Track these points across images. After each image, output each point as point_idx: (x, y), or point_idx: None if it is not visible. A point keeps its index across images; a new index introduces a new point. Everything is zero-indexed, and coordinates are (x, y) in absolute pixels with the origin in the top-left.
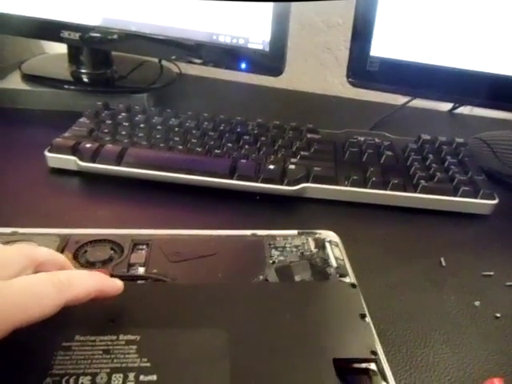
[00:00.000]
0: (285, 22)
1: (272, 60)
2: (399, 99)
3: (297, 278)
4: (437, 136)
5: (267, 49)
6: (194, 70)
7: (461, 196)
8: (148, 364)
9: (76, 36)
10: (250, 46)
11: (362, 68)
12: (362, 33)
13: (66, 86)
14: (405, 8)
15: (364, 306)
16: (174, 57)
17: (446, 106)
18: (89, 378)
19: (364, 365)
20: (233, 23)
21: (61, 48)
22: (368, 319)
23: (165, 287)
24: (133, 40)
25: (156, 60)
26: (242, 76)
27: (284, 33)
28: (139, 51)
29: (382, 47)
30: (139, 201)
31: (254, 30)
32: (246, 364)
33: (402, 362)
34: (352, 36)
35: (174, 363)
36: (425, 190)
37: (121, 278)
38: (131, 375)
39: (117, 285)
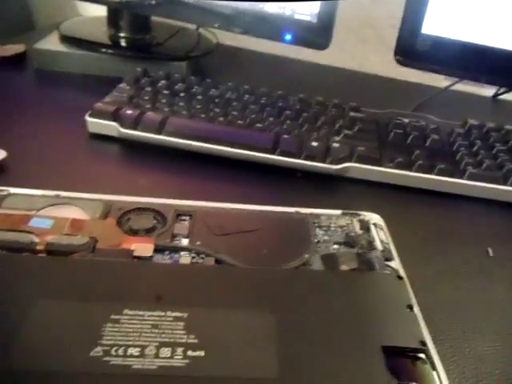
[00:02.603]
0: None
1: (319, 33)
2: (440, 81)
3: (342, 268)
4: (484, 121)
5: (315, 20)
6: (230, 40)
7: (511, 185)
8: (195, 340)
9: None
10: (296, 16)
11: (412, 46)
12: (414, 8)
13: (103, 50)
14: None
15: (411, 296)
16: (216, 24)
17: (489, 92)
18: (138, 349)
19: (413, 354)
20: None
21: (96, 11)
22: (416, 310)
23: (212, 268)
24: (173, 5)
25: (193, 27)
26: (278, 49)
27: (333, 5)
28: (179, 17)
29: (434, 25)
30: (179, 171)
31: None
32: (294, 348)
33: (449, 351)
34: (404, 12)
35: (222, 341)
36: (472, 177)
37: (165, 248)
38: (179, 350)
39: None
